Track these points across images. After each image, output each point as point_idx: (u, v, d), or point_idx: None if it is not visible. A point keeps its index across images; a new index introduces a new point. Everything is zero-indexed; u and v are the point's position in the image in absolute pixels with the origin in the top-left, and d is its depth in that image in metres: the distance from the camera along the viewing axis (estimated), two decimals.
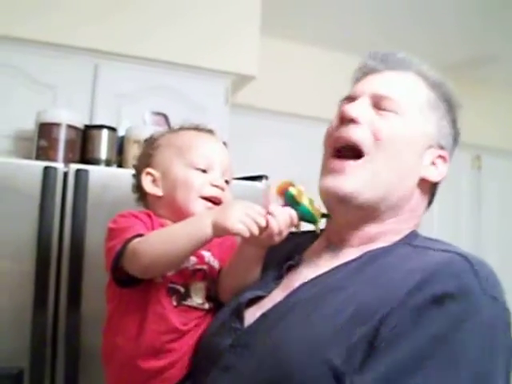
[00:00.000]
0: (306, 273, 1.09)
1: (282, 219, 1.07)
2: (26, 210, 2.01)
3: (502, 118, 4.27)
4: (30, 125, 2.41)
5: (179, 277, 1.16)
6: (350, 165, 1.06)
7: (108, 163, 2.37)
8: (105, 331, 1.22)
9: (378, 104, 1.08)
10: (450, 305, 0.88)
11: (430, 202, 1.17)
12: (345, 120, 1.08)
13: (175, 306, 1.15)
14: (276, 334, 0.97)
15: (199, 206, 1.23)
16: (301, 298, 1.02)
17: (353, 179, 1.05)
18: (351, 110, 1.07)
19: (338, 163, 1.08)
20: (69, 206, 2.05)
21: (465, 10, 3.26)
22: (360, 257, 1.05)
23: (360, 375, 0.87)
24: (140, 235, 1.13)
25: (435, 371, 0.85)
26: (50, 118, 2.34)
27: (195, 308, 1.17)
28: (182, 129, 1.33)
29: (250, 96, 3.45)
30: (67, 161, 2.22)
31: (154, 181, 1.27)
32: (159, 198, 1.27)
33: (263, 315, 1.04)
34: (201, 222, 1.08)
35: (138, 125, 2.52)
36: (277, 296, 1.07)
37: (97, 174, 2.11)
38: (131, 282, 1.15)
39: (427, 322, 0.88)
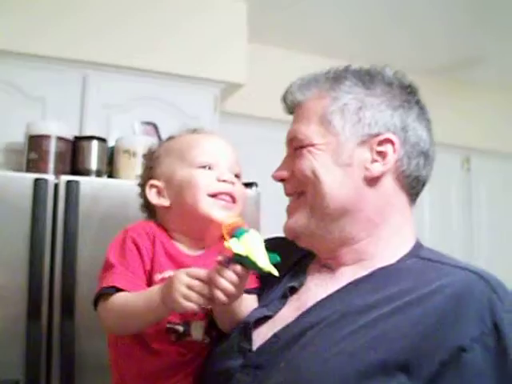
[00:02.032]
0: (316, 291, 1.06)
1: (227, 284, 0.97)
2: (18, 223, 2.01)
3: (490, 119, 4.29)
4: (19, 137, 2.41)
5: (178, 316, 1.10)
6: (291, 206, 1.13)
7: (98, 174, 2.37)
8: (109, 346, 1.19)
9: (293, 147, 1.12)
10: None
11: (412, 195, 1.11)
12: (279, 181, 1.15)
13: (174, 342, 1.11)
14: (291, 357, 0.94)
15: (209, 205, 1.14)
16: (313, 320, 0.98)
17: (296, 217, 1.10)
18: (276, 173, 1.15)
19: (287, 206, 1.14)
20: (60, 217, 2.05)
21: (450, 11, 3.28)
22: (371, 274, 1.03)
23: None
24: (115, 288, 1.07)
25: None
26: (39, 130, 2.34)
27: (195, 342, 1.13)
28: (180, 135, 1.26)
29: (238, 104, 3.46)
30: (58, 172, 2.23)
31: (159, 192, 1.19)
32: (168, 209, 1.18)
33: (275, 336, 1.01)
34: (156, 300, 1.01)
35: (127, 135, 2.53)
36: (287, 316, 1.04)
37: (87, 184, 2.12)
38: None
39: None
